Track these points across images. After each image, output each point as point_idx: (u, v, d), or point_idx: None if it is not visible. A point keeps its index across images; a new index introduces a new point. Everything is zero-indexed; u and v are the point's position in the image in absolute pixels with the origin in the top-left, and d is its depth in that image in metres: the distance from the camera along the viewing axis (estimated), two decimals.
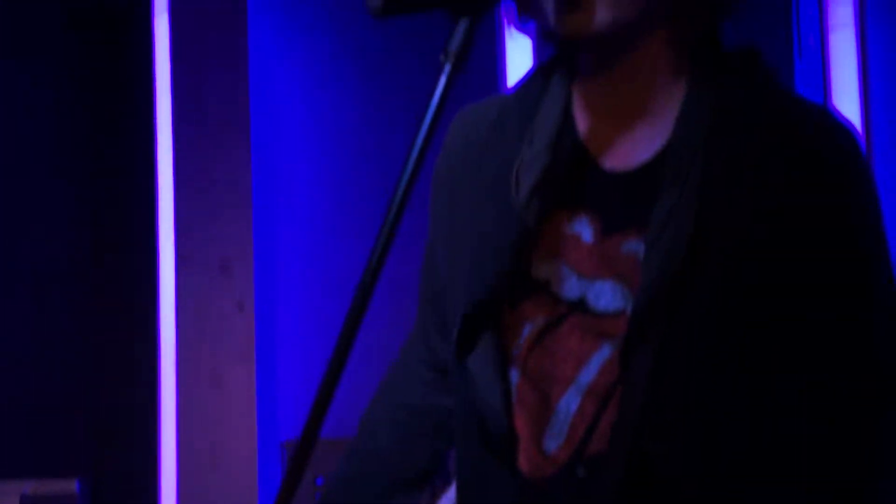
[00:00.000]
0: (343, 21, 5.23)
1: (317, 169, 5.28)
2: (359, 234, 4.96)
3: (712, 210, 1.39)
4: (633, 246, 1.44)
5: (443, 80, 1.30)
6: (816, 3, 5.80)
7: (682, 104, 1.46)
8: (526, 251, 1.51)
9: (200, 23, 4.61)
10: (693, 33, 1.48)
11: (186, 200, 4.54)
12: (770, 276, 1.38)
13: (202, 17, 4.62)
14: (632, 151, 1.49)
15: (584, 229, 1.49)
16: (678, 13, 1.46)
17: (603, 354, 1.45)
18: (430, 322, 1.76)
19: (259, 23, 5.06)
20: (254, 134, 4.74)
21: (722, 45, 1.52)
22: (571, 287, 1.47)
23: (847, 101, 5.74)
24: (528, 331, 1.49)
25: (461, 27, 1.31)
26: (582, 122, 1.54)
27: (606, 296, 1.45)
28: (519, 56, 5.13)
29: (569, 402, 1.46)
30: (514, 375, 1.50)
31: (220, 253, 4.59)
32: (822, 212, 1.39)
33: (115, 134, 4.83)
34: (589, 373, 1.46)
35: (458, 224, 1.59)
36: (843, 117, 1.47)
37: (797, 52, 6.01)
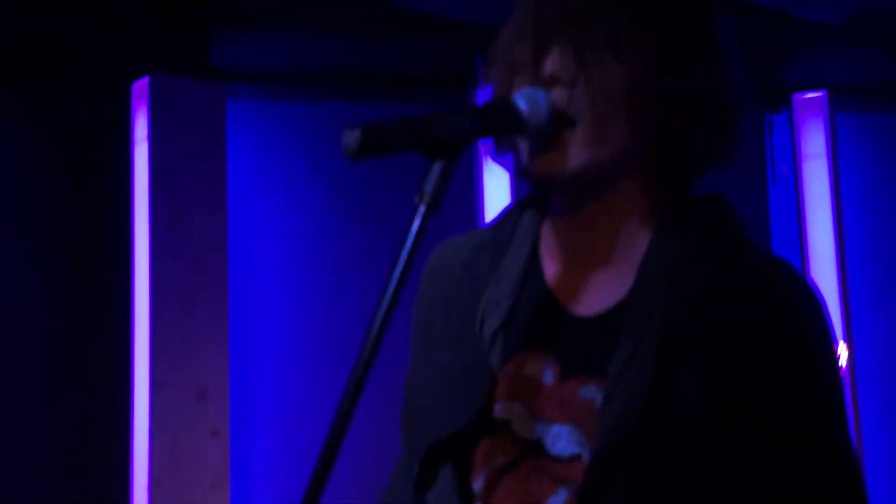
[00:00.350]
0: (319, 157, 5.30)
1: (293, 300, 5.30)
2: (335, 365, 4.96)
3: (672, 361, 1.38)
4: (591, 392, 1.44)
5: (417, 221, 1.31)
6: (790, 133, 5.89)
7: (646, 252, 1.47)
8: (489, 390, 1.50)
9: (180, 154, 4.66)
10: (666, 182, 1.50)
11: (163, 328, 4.53)
12: (730, 428, 1.37)
13: (182, 147, 4.66)
14: (595, 297, 1.49)
15: (544, 372, 1.48)
16: (653, 163, 1.48)
17: (559, 499, 1.43)
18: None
19: (238, 159, 5.12)
20: (231, 264, 4.76)
21: (691, 190, 1.52)
22: (530, 429, 1.47)
23: (820, 227, 5.80)
24: (487, 469, 1.49)
25: (436, 169, 1.32)
26: (549, 265, 1.54)
27: (563, 440, 1.44)
28: (497, 187, 5.19)
29: None
30: None
31: (196, 380, 4.57)
32: (782, 367, 1.39)
33: (92, 260, 4.84)
34: None
35: (430, 359, 1.59)
36: (808, 277, 1.48)
37: (771, 179, 6.09)
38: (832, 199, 5.79)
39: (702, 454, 1.38)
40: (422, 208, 1.33)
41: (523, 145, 1.48)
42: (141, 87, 4.69)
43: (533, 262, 1.55)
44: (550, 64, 1.43)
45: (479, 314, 1.53)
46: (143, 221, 4.62)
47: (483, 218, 5.23)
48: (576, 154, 1.43)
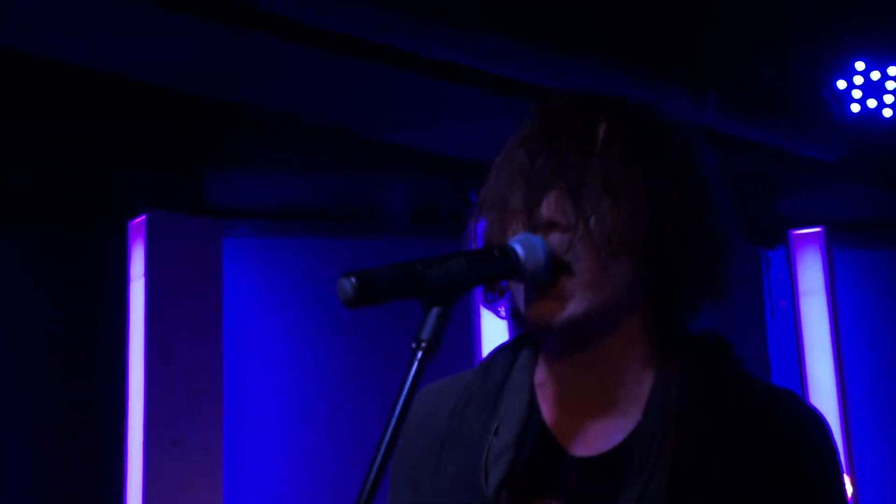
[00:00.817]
0: (315, 291, 5.32)
1: (288, 436, 5.26)
2: (326, 501, 4.92)
3: (683, 496, 1.37)
4: None
5: (414, 367, 1.30)
6: (787, 269, 5.92)
7: (650, 390, 1.46)
8: None
9: (176, 289, 4.67)
10: (664, 320, 1.49)
11: (155, 466, 4.48)
12: None
13: (178, 282, 4.67)
14: (599, 437, 1.47)
15: None
16: (651, 302, 1.47)
17: None
18: None
19: (234, 294, 5.13)
20: (226, 399, 4.74)
21: (687, 328, 1.51)
22: None
23: (820, 361, 5.80)
24: None
25: (432, 316, 1.32)
26: (547, 408, 1.53)
27: None
28: (494, 325, 5.20)
29: None
30: None
31: None
32: (796, 492, 1.38)
33: (86, 398, 4.81)
34: None
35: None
36: (810, 404, 1.48)
37: (769, 314, 6.09)
38: (831, 334, 5.79)
39: None
40: (418, 355, 1.32)
41: (518, 290, 1.47)
42: (138, 224, 4.72)
43: (532, 410, 1.52)
44: (547, 209, 1.43)
45: (483, 465, 1.50)
46: (138, 357, 4.60)
47: (480, 354, 5.22)
48: (576, 301, 1.42)
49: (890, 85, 4.80)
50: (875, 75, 4.79)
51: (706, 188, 1.50)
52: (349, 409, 5.23)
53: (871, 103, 4.82)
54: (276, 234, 5.46)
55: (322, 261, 5.41)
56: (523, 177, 1.46)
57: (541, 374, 1.55)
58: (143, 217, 4.68)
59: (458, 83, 4.33)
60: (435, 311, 1.34)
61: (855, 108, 4.85)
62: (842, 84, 4.83)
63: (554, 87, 4.31)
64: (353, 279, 1.28)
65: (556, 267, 1.42)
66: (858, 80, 4.80)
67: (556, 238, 1.42)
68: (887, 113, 4.83)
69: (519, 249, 1.41)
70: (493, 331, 5.21)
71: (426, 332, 1.33)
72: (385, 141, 4.86)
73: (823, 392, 5.68)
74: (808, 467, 1.42)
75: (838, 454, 1.46)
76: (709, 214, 1.48)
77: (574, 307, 1.42)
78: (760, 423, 1.42)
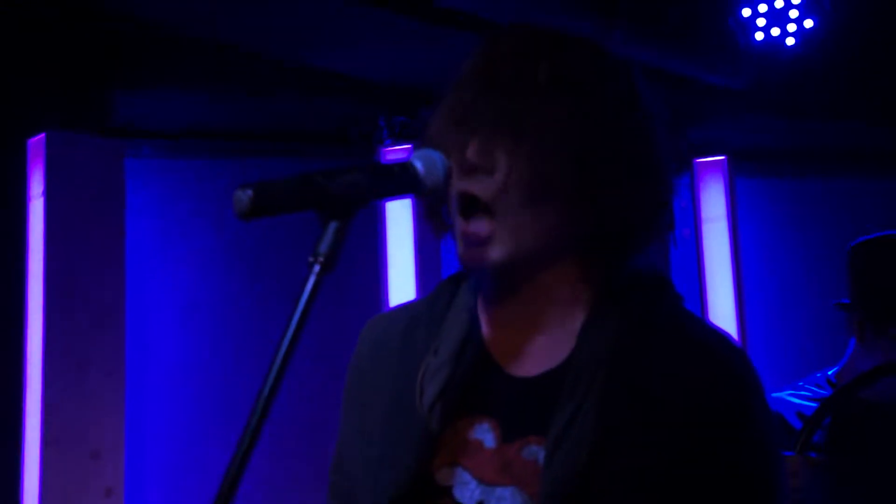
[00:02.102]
0: (219, 214, 5.28)
1: (191, 358, 5.25)
2: (230, 425, 4.91)
3: (613, 420, 1.40)
4: (533, 452, 1.45)
5: (310, 282, 1.29)
6: (690, 197, 5.98)
7: (585, 319, 1.48)
8: (429, 456, 1.50)
9: (77, 211, 4.59)
10: (603, 259, 1.51)
11: (56, 387, 4.44)
12: (671, 487, 1.39)
13: (79, 204, 4.60)
14: (536, 359, 1.50)
15: (485, 435, 1.49)
16: (589, 242, 1.49)
17: None
18: None
19: (137, 216, 5.08)
20: (129, 323, 4.69)
21: (627, 264, 1.53)
22: (472, 493, 1.46)
23: (720, 289, 5.89)
24: None
25: (330, 229, 1.31)
26: (487, 330, 1.56)
27: (506, 502, 1.44)
28: (400, 233, 5.22)
29: None
30: None
31: (91, 439, 4.48)
32: (721, 425, 1.42)
33: None
34: None
35: (367, 429, 1.58)
36: (739, 346, 1.52)
37: (672, 241, 6.16)
38: (732, 261, 5.87)
39: None
40: (315, 268, 1.32)
41: (455, 231, 1.49)
42: (37, 143, 4.62)
43: (472, 328, 1.55)
44: (472, 153, 1.44)
45: (419, 382, 1.52)
46: (37, 281, 4.53)
47: (387, 279, 5.23)
48: (500, 247, 1.44)
49: (794, 13, 4.84)
50: (779, 3, 4.82)
51: (648, 129, 1.50)
52: (254, 335, 5.22)
53: (775, 31, 4.86)
54: (182, 155, 5.39)
55: (229, 184, 5.36)
56: (454, 118, 1.47)
57: (482, 304, 1.58)
58: (43, 136, 4.58)
59: (371, 5, 4.30)
60: (333, 224, 1.33)
61: (759, 36, 4.88)
62: (747, 12, 4.86)
63: (463, 9, 4.30)
64: (249, 190, 1.28)
65: (480, 208, 1.44)
66: (763, 7, 4.83)
67: (478, 182, 1.43)
68: (790, 41, 4.88)
69: (418, 165, 1.42)
70: (400, 249, 5.21)
71: (324, 247, 1.32)
72: (296, 63, 4.82)
73: (723, 320, 5.77)
74: (737, 399, 1.44)
75: (762, 393, 1.49)
76: (651, 156, 1.49)
77: (498, 252, 1.44)
78: (694, 357, 1.45)
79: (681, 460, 1.40)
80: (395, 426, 1.53)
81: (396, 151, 5.11)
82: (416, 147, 1.51)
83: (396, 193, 1.46)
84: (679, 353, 1.45)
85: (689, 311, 1.56)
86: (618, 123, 1.47)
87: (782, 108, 5.49)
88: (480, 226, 1.45)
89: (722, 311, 5.82)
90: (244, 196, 1.27)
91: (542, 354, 1.51)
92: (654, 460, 1.39)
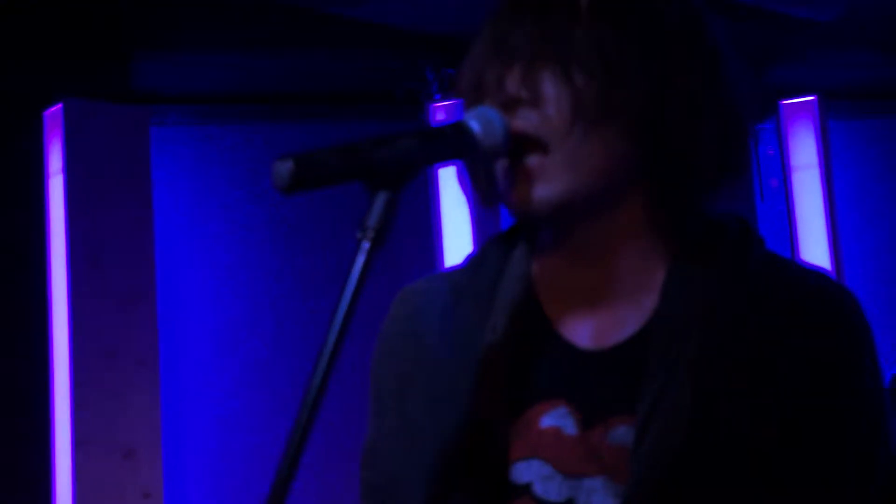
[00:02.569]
0: (255, 184, 5.29)
1: (229, 345, 5.27)
2: (276, 420, 4.94)
3: (712, 389, 1.37)
4: (622, 435, 1.40)
5: (361, 259, 1.27)
6: (777, 143, 5.93)
7: (665, 278, 1.45)
8: (499, 452, 1.46)
9: (100, 186, 4.62)
10: (674, 201, 1.47)
11: (85, 380, 4.49)
12: (779, 465, 1.36)
13: (102, 178, 4.63)
14: (610, 330, 1.46)
15: (564, 421, 1.45)
16: (656, 181, 1.45)
17: None
18: None
19: (165, 188, 5.10)
20: (160, 306, 4.73)
21: (705, 212, 1.50)
22: (557, 488, 1.43)
23: (814, 245, 5.84)
24: None
25: (379, 201, 1.30)
26: (549, 304, 1.51)
27: (598, 495, 1.40)
28: (456, 213, 5.21)
29: None
30: None
31: (124, 438, 4.53)
32: (830, 387, 1.39)
33: (6, 309, 4.80)
34: None
35: (409, 419, 1.54)
36: (842, 285, 1.49)
37: (759, 194, 6.12)
38: (826, 214, 5.82)
39: (746, 489, 1.37)
40: (365, 245, 1.30)
41: (501, 172, 1.46)
42: (54, 114, 4.66)
43: (530, 303, 1.51)
44: (511, 84, 1.41)
45: (477, 367, 1.48)
46: (60, 262, 4.58)
47: (442, 245, 5.23)
48: (553, 183, 1.40)
49: None
50: None
51: (712, 55, 1.46)
52: (297, 318, 5.24)
53: None
54: (212, 121, 5.41)
55: (264, 151, 5.37)
56: (490, 52, 1.44)
57: (540, 271, 1.53)
58: (60, 106, 4.61)
59: None
60: (383, 195, 1.32)
61: None
62: None
63: None
64: (290, 162, 1.26)
65: (529, 145, 1.40)
66: None
67: (523, 117, 1.40)
68: None
69: (474, 124, 1.39)
70: (455, 223, 5.21)
71: (373, 219, 1.30)
72: (330, 14, 4.80)
73: None
74: (849, 360, 1.42)
75: (871, 335, 1.46)
76: (715, 83, 1.45)
77: (551, 189, 1.40)
78: (792, 309, 1.42)
79: (793, 425, 1.37)
80: (450, 420, 1.48)
81: (447, 107, 5.09)
82: (457, 95, 1.49)
83: (451, 158, 1.44)
84: (779, 307, 1.42)
85: (781, 256, 1.51)
86: (678, 50, 1.43)
87: (875, 40, 5.43)
88: (532, 161, 1.41)
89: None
90: (284, 168, 1.26)
91: (616, 323, 1.47)
92: (761, 429, 1.36)
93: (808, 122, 5.87)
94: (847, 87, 6.06)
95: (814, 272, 1.50)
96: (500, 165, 1.44)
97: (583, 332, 1.48)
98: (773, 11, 5.00)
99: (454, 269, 1.64)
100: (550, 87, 1.39)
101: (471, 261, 1.60)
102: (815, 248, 5.83)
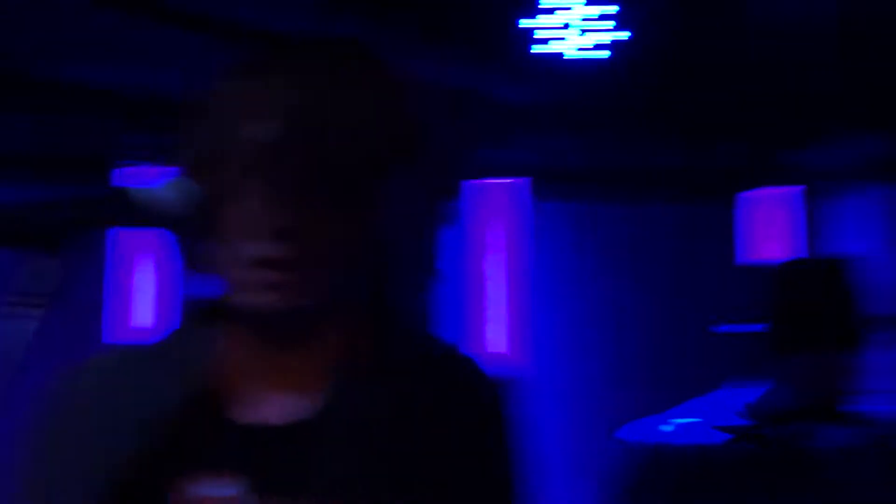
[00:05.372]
0: None
1: None
2: None
3: (381, 465, 1.44)
4: None
5: (29, 325, 1.24)
6: (469, 225, 6.01)
7: (337, 363, 1.51)
8: None
9: None
10: (370, 312, 1.56)
11: None
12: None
13: None
14: (285, 408, 1.49)
15: (233, 498, 1.44)
16: (358, 300, 1.54)
17: None
18: None
19: None
20: None
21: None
22: None
23: (497, 326, 5.98)
24: None
25: (43, 264, 1.26)
26: (227, 380, 1.52)
27: None
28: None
29: None
30: None
31: None
32: (468, 446, 1.48)
33: None
34: None
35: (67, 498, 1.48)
36: (487, 370, 1.59)
37: (438, 278, 6.20)
38: (508, 297, 6.02)
39: None
40: (28, 311, 1.27)
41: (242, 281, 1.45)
42: None
43: (208, 379, 1.51)
44: (275, 215, 1.41)
45: (144, 441, 1.46)
46: None
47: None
48: (288, 298, 1.43)
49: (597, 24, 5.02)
50: (560, 17, 5.00)
51: (413, 194, 1.54)
52: None
53: (557, 45, 5.02)
54: None
55: None
56: (241, 161, 1.44)
57: (225, 346, 1.55)
58: None
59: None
60: (46, 259, 1.28)
61: (540, 48, 5.03)
62: (526, 23, 5.01)
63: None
64: None
65: (279, 266, 1.42)
66: (544, 20, 5.00)
67: (278, 245, 1.41)
68: (572, 54, 5.04)
69: (168, 193, 1.37)
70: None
71: (31, 286, 1.27)
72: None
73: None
74: (472, 417, 1.51)
75: (499, 400, 1.55)
76: (417, 219, 1.54)
77: (288, 302, 1.43)
78: (447, 380, 1.54)
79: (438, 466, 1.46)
80: (104, 474, 1.46)
81: (139, 174, 5.02)
82: (168, 170, 1.47)
83: (135, 224, 1.41)
84: (425, 387, 1.51)
85: (429, 335, 1.61)
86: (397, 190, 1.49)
87: (574, 125, 5.61)
88: (277, 277, 1.42)
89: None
90: None
91: (291, 402, 1.50)
92: (419, 475, 1.45)
93: (503, 203, 6.03)
94: (548, 170, 6.23)
95: (460, 353, 1.59)
96: (240, 272, 1.44)
97: (259, 410, 1.50)
98: (479, 93, 5.15)
99: (131, 347, 1.62)
100: (299, 219, 1.42)
101: (157, 339, 1.60)
102: (497, 327, 6.01)
